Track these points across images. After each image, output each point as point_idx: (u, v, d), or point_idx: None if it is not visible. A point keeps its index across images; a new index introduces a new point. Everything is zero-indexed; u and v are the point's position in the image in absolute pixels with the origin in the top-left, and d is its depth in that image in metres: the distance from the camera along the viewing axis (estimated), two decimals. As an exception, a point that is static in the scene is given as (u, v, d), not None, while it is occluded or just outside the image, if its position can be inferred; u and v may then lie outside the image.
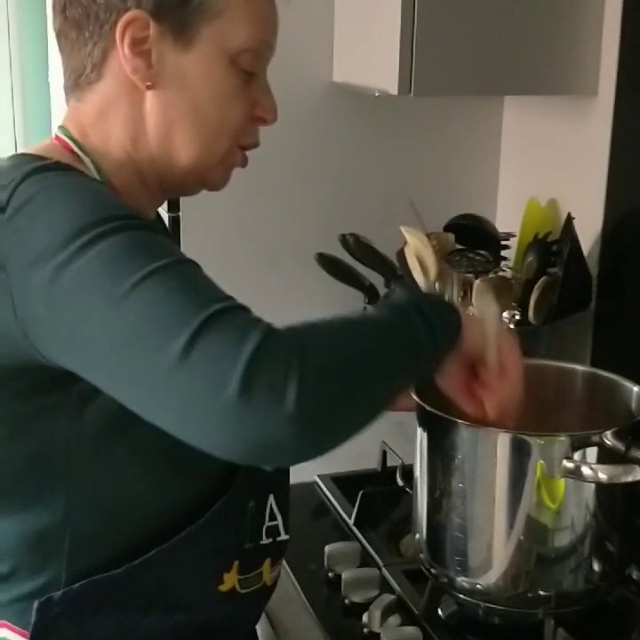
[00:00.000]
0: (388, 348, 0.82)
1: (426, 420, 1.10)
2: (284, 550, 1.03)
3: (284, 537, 1.01)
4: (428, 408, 1.08)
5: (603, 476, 1.00)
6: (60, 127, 0.95)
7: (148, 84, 0.90)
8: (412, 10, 1.42)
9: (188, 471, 0.90)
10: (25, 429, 0.84)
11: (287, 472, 1.03)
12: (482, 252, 1.57)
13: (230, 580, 0.95)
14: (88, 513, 0.87)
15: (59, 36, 0.94)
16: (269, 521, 0.98)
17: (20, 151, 0.93)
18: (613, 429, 1.04)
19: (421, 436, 1.11)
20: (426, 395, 1.11)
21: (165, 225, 1.13)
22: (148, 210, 0.98)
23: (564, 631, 1.07)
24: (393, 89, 1.45)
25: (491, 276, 1.54)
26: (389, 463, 1.49)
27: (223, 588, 0.95)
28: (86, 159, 0.91)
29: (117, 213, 0.80)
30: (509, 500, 1.05)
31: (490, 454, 1.04)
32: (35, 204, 0.80)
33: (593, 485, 1.04)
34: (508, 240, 1.62)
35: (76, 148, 0.92)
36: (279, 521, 1.00)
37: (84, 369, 0.78)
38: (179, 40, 0.89)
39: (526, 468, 1.03)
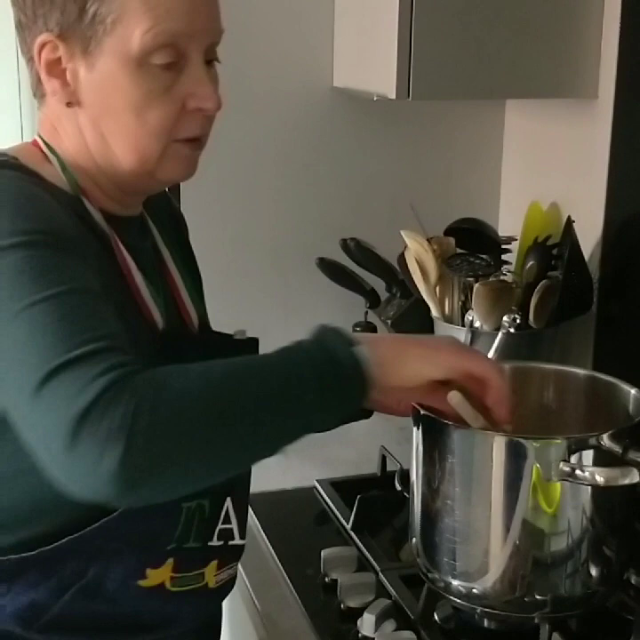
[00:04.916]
0: (262, 401, 0.79)
1: (422, 424, 1.09)
2: (238, 554, 1.03)
3: (238, 541, 1.01)
4: (423, 411, 1.07)
5: (599, 479, 0.99)
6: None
7: (68, 102, 0.94)
8: (410, 14, 1.42)
9: None
10: None
11: (248, 477, 1.03)
12: (482, 256, 1.57)
13: (157, 576, 0.95)
14: (5, 494, 0.90)
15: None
16: (223, 523, 0.98)
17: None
18: (610, 432, 1.03)
19: (417, 440, 1.11)
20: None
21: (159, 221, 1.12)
22: (119, 209, 1.00)
23: (561, 636, 1.06)
24: (391, 93, 1.45)
25: (491, 279, 1.54)
26: (389, 468, 1.48)
27: (145, 583, 0.95)
28: (53, 158, 0.96)
29: (31, 227, 0.83)
30: (506, 503, 1.04)
31: (486, 457, 1.04)
32: None
33: (590, 488, 1.03)
34: (509, 244, 1.61)
35: (44, 148, 0.97)
36: (234, 525, 0.99)
37: None
38: (85, 56, 0.91)
39: (522, 471, 1.02)
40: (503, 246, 1.60)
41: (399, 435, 1.47)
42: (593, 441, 1.02)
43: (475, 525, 1.06)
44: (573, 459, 1.01)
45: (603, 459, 1.02)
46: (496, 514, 1.04)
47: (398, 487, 1.38)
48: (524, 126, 1.79)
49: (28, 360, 0.76)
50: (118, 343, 0.79)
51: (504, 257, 1.60)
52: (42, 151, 0.97)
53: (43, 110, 0.99)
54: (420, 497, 1.11)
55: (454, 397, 0.95)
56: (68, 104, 0.94)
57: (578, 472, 0.99)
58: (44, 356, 0.76)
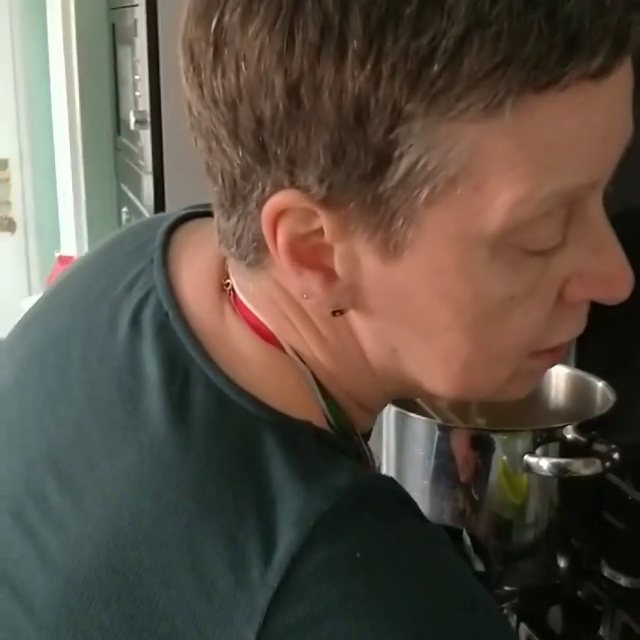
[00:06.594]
0: None
1: (391, 418, 1.11)
2: None
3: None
4: (391, 406, 1.08)
5: (562, 470, 1.00)
6: (230, 285, 0.59)
7: (334, 310, 0.55)
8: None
9: None
10: None
11: None
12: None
13: None
14: None
15: None
16: None
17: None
18: (575, 423, 1.04)
19: (387, 434, 1.12)
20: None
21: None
22: (370, 423, 0.66)
23: (528, 627, 1.07)
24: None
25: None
26: (372, 466, 1.50)
27: None
28: (308, 376, 0.58)
29: None
30: (474, 495, 1.05)
31: (453, 451, 1.05)
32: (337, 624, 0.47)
33: (557, 480, 1.04)
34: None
35: (292, 354, 0.57)
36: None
37: None
38: (382, 239, 0.50)
39: (490, 463, 1.03)
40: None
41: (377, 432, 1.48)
42: (558, 433, 1.03)
43: (443, 518, 1.07)
44: (539, 451, 1.02)
45: (569, 450, 1.03)
46: (464, 506, 1.06)
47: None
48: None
49: None
50: None
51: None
52: (276, 345, 0.58)
53: (256, 279, 0.57)
54: (390, 491, 1.13)
55: None
56: (336, 313, 0.55)
57: (541, 463, 1.00)
58: None
